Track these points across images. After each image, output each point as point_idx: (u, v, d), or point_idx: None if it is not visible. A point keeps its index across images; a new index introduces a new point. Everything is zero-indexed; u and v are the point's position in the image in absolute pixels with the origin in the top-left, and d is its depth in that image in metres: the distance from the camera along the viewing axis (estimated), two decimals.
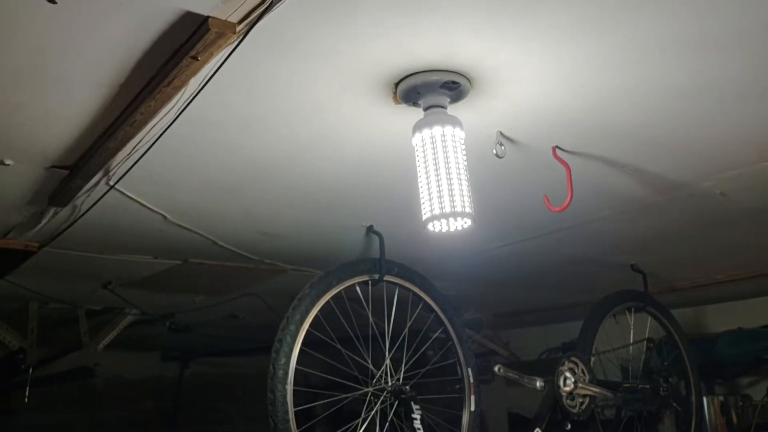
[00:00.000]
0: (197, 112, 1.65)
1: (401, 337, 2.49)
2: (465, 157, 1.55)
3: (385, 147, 1.90)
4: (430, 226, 1.55)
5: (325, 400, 2.35)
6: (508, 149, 1.92)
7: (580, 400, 2.76)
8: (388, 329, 2.44)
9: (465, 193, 1.50)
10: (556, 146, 1.92)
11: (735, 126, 1.84)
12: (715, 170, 2.14)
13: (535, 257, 3.20)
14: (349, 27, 1.36)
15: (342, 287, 2.37)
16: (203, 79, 1.49)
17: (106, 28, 1.33)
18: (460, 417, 2.56)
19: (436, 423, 2.52)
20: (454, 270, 3.48)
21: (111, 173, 2.01)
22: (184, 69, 1.42)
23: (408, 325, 2.51)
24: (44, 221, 2.44)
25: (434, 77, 1.50)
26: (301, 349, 2.23)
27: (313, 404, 2.37)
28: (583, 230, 2.77)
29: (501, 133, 1.82)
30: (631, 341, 3.24)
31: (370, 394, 2.34)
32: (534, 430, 2.66)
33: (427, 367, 2.52)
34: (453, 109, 1.64)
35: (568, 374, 2.77)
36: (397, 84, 1.56)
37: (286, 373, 2.15)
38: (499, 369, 2.77)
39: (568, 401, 2.73)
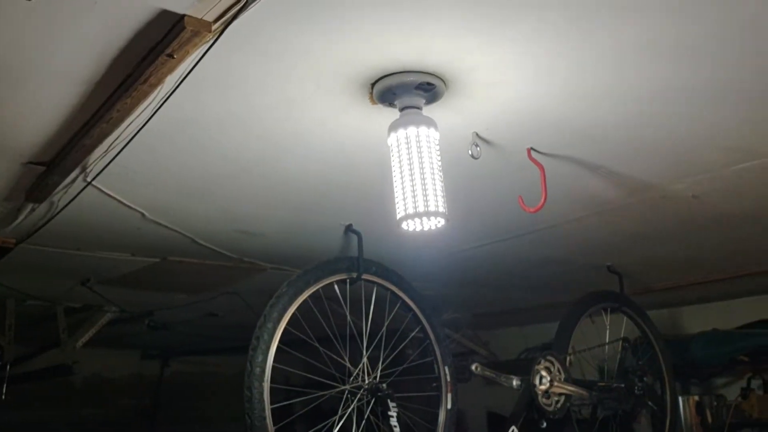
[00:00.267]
0: (174, 110, 1.66)
1: (378, 336, 2.51)
2: (439, 158, 1.58)
3: (363, 147, 1.92)
4: (404, 225, 1.57)
5: (302, 398, 2.36)
6: (484, 150, 1.94)
7: (556, 398, 2.80)
8: (366, 328, 2.46)
9: (439, 193, 1.52)
10: (531, 148, 1.95)
11: (705, 130, 1.88)
12: (686, 173, 2.18)
13: (512, 258, 3.23)
14: (324, 27, 1.37)
15: (320, 285, 2.38)
16: (179, 77, 1.50)
17: (82, 25, 1.34)
18: (437, 415, 2.58)
19: (413, 421, 2.55)
20: (432, 270, 3.50)
21: (88, 170, 2.00)
22: (159, 67, 1.43)
23: (386, 324, 2.53)
24: (21, 217, 2.43)
25: (409, 78, 1.52)
26: (279, 347, 2.24)
27: (290, 402, 2.38)
28: (559, 231, 2.80)
29: (477, 135, 1.85)
30: (607, 341, 3.29)
31: (347, 392, 2.35)
32: (510, 428, 2.69)
33: (404, 366, 2.54)
34: (429, 110, 1.66)
35: (544, 373, 2.81)
36: (373, 84, 1.58)
37: (263, 371, 2.16)
38: (476, 368, 2.79)
39: (544, 400, 2.77)
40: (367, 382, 2.37)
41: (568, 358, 2.96)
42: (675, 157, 2.07)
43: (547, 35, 1.42)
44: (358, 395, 2.34)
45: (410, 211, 1.50)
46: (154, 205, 2.37)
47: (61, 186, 2.10)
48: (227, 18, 1.31)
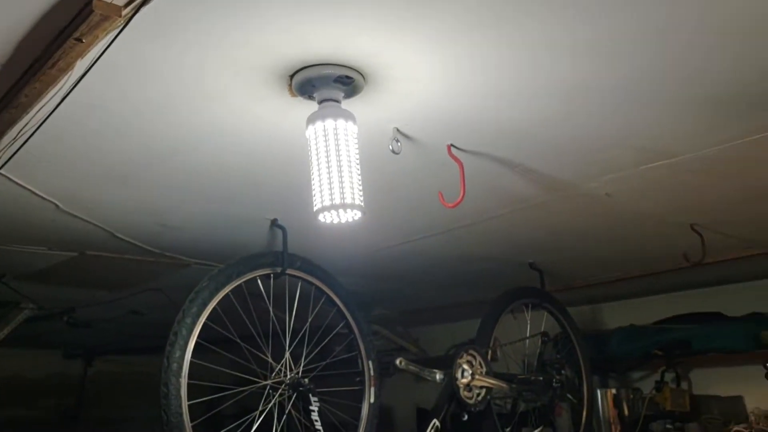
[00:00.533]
0: (87, 96, 1.61)
1: (302, 331, 2.51)
2: (357, 151, 1.59)
3: (283, 140, 1.91)
4: (321, 217, 1.58)
5: (220, 394, 2.33)
6: (406, 146, 1.97)
7: (477, 391, 2.86)
8: (290, 323, 2.46)
9: (356, 185, 1.53)
10: (452, 144, 1.99)
11: (617, 130, 1.96)
12: (600, 172, 2.27)
13: (438, 255, 3.29)
14: (241, 17, 1.36)
15: (242, 280, 2.36)
16: (90, 62, 1.46)
17: None
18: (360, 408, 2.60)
19: (338, 415, 2.56)
20: (361, 266, 3.53)
21: None
22: (68, 51, 1.39)
23: (309, 319, 2.53)
24: None
25: (328, 71, 1.53)
26: (199, 344, 2.21)
27: (209, 398, 2.35)
28: (482, 228, 2.87)
29: (397, 130, 1.87)
30: (528, 336, 3.38)
31: (268, 387, 2.34)
32: (432, 421, 2.74)
33: (327, 360, 2.55)
34: (348, 104, 1.67)
35: (466, 367, 2.87)
36: (291, 76, 1.58)
37: (181, 366, 2.12)
38: (400, 362, 2.83)
39: (465, 393, 2.83)
40: (288, 377, 2.36)
41: (489, 352, 3.03)
42: (589, 156, 2.15)
43: (462, 33, 1.45)
44: (279, 390, 2.33)
45: (326, 203, 1.51)
46: (68, 195, 2.29)
47: None
48: (137, 3, 1.29)
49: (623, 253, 3.39)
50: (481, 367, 2.91)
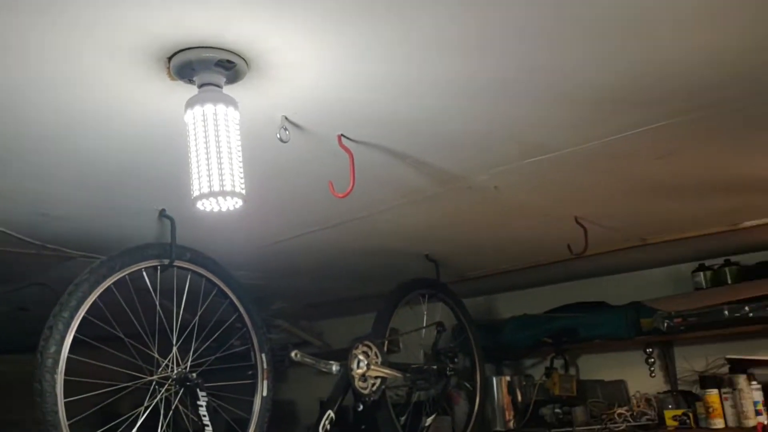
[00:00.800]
0: None
1: (191, 325, 2.44)
2: (239, 138, 1.56)
3: (167, 126, 1.84)
4: (199, 205, 1.54)
5: (101, 390, 2.24)
6: (297, 136, 1.95)
7: (372, 381, 2.89)
8: (178, 316, 2.39)
9: (236, 173, 1.50)
10: (342, 134, 1.99)
11: (502, 124, 2.02)
12: (487, 165, 2.34)
13: (334, 248, 3.29)
14: None
15: (126, 272, 2.28)
16: None
17: None
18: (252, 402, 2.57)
19: (227, 409, 2.51)
20: (258, 260, 3.48)
21: None
22: None
23: (199, 312, 2.47)
24: None
25: (207, 54, 1.49)
26: (79, 339, 2.11)
27: (88, 395, 2.24)
28: (378, 220, 2.89)
29: (286, 118, 1.85)
30: (424, 326, 3.45)
31: (154, 382, 2.27)
32: (326, 412, 2.74)
33: (217, 354, 2.49)
34: (231, 89, 1.63)
35: (361, 357, 2.89)
36: (170, 59, 1.53)
37: (56, 362, 2.02)
38: (295, 355, 2.81)
39: (360, 383, 2.85)
40: (175, 372, 2.29)
41: (386, 343, 3.06)
42: (477, 150, 2.21)
43: (349, 23, 1.45)
44: (166, 386, 2.26)
45: (204, 190, 1.47)
46: None
47: None
48: None
49: (514, 244, 3.52)
50: (377, 357, 2.94)
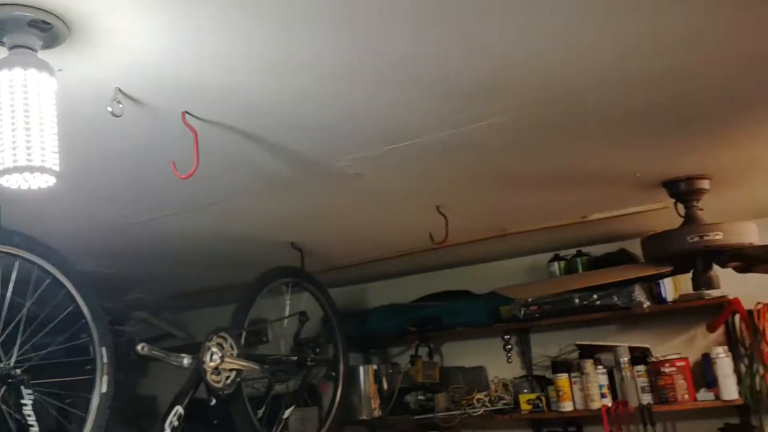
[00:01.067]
0: None
1: (19, 317, 2.21)
2: (54, 108, 1.39)
3: None
4: (3, 181, 1.36)
5: None
6: (137, 111, 1.80)
7: (226, 374, 2.76)
8: (2, 307, 2.15)
9: (48, 147, 1.34)
10: (186, 112, 1.86)
11: (359, 110, 1.97)
12: (347, 151, 2.28)
13: (194, 234, 3.12)
14: None
15: None
16: None
17: None
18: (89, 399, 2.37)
19: (60, 408, 2.30)
20: (109, 247, 3.24)
21: None
22: None
23: (28, 303, 2.23)
24: None
25: (18, 12, 1.31)
26: None
27: None
28: (238, 206, 2.77)
29: (120, 90, 1.69)
30: (287, 315, 3.36)
31: None
32: (174, 408, 2.59)
33: (50, 349, 2.28)
34: (52, 54, 1.46)
35: (215, 350, 2.75)
36: None
37: None
38: (142, 348, 2.63)
39: (213, 376, 2.72)
40: None
41: (244, 334, 2.95)
42: (335, 135, 2.15)
43: None
44: None
45: (8, 164, 1.30)
46: None
47: None
48: None
49: (380, 233, 3.51)
50: (232, 349, 2.81)
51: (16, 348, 2.15)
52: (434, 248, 3.41)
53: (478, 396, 4.18)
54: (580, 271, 4.04)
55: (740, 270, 2.88)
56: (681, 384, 3.65)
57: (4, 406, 2.08)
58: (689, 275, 2.91)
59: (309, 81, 1.75)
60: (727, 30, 1.64)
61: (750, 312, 3.63)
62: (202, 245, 3.38)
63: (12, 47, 1.37)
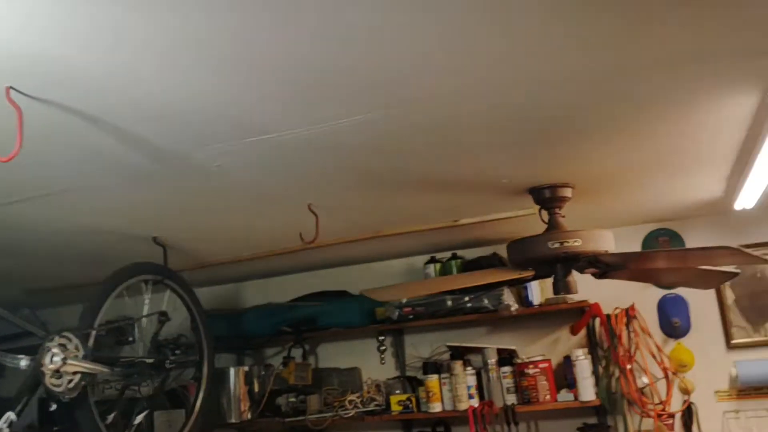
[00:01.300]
0: None
1: None
2: None
3: None
4: None
5: None
6: None
7: (69, 378, 2.55)
8: None
9: None
10: (11, 87, 1.67)
11: (213, 98, 1.84)
12: (203, 142, 2.15)
13: (40, 224, 2.87)
14: None
15: None
16: None
17: None
18: None
19: None
20: None
21: None
22: None
23: None
24: None
25: None
26: None
27: None
28: (88, 196, 2.56)
29: None
30: (144, 315, 3.17)
31: None
32: (6, 414, 2.36)
33: None
34: None
35: (57, 351, 2.53)
36: None
37: None
38: None
39: (53, 380, 2.50)
40: None
41: (92, 334, 2.73)
42: (189, 125, 2.01)
43: None
44: None
45: None
46: None
47: None
48: None
49: (249, 231, 3.39)
50: (77, 351, 2.60)
51: None
52: (306, 248, 3.32)
53: (351, 397, 4.14)
54: (455, 273, 4.09)
55: (597, 276, 2.99)
56: (543, 385, 3.77)
57: None
58: None
59: (152, 61, 1.62)
60: (582, 44, 1.67)
61: (608, 316, 3.81)
62: (52, 238, 3.12)
63: None
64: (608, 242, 2.83)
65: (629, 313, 3.79)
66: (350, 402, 4.11)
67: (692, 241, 3.89)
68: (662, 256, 2.94)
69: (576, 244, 2.76)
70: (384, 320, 4.19)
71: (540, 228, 3.03)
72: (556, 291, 2.94)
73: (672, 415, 3.65)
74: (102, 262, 3.69)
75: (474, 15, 1.50)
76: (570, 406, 3.74)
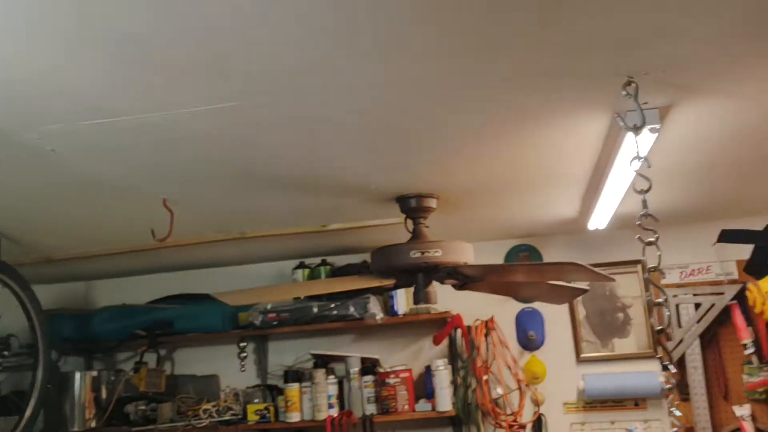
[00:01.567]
0: None
1: None
2: None
3: None
4: None
5: None
6: None
7: None
8: None
9: None
10: None
11: (39, 70, 1.66)
12: (34, 121, 1.94)
13: None
14: None
15: None
16: None
17: None
18: None
19: None
20: None
21: None
22: None
23: None
24: None
25: None
26: None
27: None
28: None
29: None
30: None
31: None
32: None
33: None
34: None
35: None
36: None
37: None
38: None
39: None
40: None
41: None
42: (21, 99, 1.81)
43: None
44: None
45: None
46: None
47: None
48: None
49: (98, 224, 3.14)
50: None
51: None
52: (160, 246, 3.12)
53: (206, 406, 3.94)
54: (323, 279, 4.01)
55: (457, 287, 3.01)
56: (403, 395, 3.77)
57: None
58: None
59: None
60: (435, 52, 1.64)
61: (469, 327, 3.87)
62: None
63: None
64: (468, 254, 2.86)
65: (489, 325, 3.87)
66: (205, 411, 3.91)
67: (550, 258, 4.04)
68: (515, 270, 3.02)
69: (437, 254, 2.76)
70: (247, 326, 4.03)
71: (406, 237, 3.03)
72: (416, 301, 2.93)
73: (523, 426, 3.76)
74: None
75: (329, 15, 1.44)
76: (427, 416, 3.76)
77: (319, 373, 3.85)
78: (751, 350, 3.66)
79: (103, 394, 4.07)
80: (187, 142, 2.19)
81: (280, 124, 2.09)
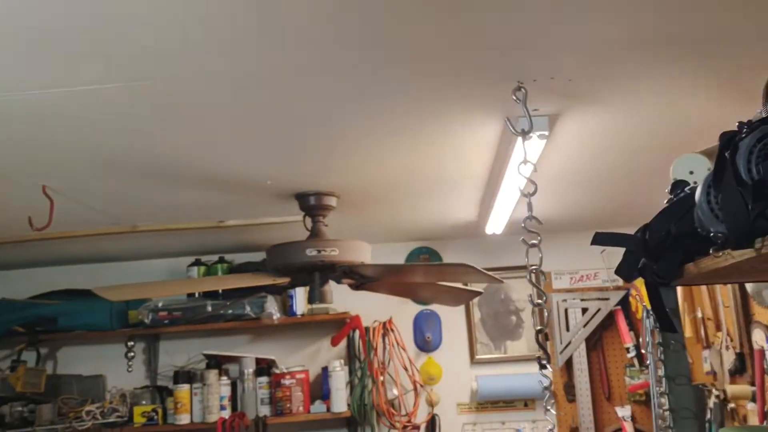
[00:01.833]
0: None
1: None
2: None
3: None
4: None
5: None
6: None
7: None
8: None
9: None
10: None
11: None
12: None
13: None
14: None
15: None
16: None
17: None
18: None
19: None
20: None
21: None
22: None
23: None
24: None
25: None
26: None
27: None
28: None
29: None
30: None
31: None
32: None
33: None
34: None
35: None
36: None
37: None
38: None
39: None
40: None
41: None
42: None
43: None
44: None
45: None
46: None
47: None
48: None
49: None
50: None
51: None
52: (39, 238, 2.93)
53: (89, 408, 3.74)
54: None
55: (354, 287, 3.00)
56: (298, 396, 3.71)
57: None
58: None
59: None
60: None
61: (367, 329, 3.87)
62: None
63: None
64: (365, 254, 2.85)
65: (387, 327, 3.88)
66: (88, 413, 3.70)
67: (449, 261, 4.10)
68: (410, 270, 3.04)
69: (333, 253, 2.74)
70: (137, 324, 3.86)
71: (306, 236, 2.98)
72: (311, 300, 2.90)
73: (417, 427, 3.79)
74: None
75: None
76: (322, 418, 3.73)
77: (212, 374, 3.73)
78: (632, 354, 3.85)
79: None
80: (63, 124, 2.05)
81: (163, 111, 2.00)
